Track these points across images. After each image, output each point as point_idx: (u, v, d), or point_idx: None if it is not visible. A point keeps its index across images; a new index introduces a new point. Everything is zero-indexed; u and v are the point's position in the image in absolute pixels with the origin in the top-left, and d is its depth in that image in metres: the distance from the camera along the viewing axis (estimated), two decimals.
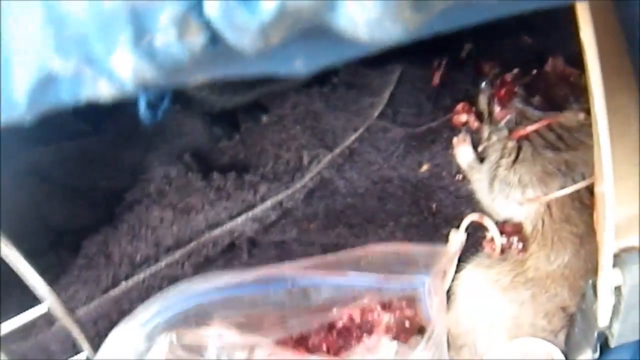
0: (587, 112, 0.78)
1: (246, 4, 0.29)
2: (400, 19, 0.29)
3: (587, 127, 0.78)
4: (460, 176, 0.91)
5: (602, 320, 0.67)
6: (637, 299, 0.64)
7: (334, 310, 0.80)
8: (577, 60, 0.81)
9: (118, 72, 0.31)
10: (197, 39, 0.30)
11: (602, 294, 0.65)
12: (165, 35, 0.30)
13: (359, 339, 0.80)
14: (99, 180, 0.97)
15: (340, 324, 0.81)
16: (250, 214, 0.87)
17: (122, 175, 0.97)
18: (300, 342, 0.80)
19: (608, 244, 0.61)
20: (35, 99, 0.33)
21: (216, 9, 0.29)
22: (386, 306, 0.83)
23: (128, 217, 0.90)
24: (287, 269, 0.80)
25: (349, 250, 0.85)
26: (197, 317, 0.76)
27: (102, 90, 0.32)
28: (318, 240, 0.91)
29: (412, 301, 0.82)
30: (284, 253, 0.91)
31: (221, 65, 0.33)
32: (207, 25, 0.30)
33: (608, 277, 0.63)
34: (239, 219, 0.87)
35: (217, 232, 0.87)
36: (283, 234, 0.91)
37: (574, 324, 0.76)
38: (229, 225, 0.87)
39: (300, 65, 0.34)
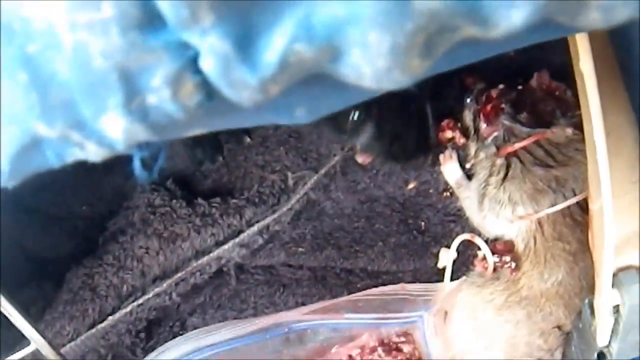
0: (575, 127, 0.78)
1: (245, 60, 0.27)
2: (408, 67, 0.28)
3: (575, 142, 0.78)
4: (448, 193, 0.90)
5: (602, 340, 0.66)
6: (636, 318, 0.64)
7: (333, 350, 0.78)
8: (562, 74, 0.81)
9: (108, 134, 0.29)
10: (192, 97, 0.28)
11: (602, 314, 0.64)
12: (158, 96, 0.28)
13: None
14: (80, 207, 0.95)
15: None
16: (237, 239, 0.86)
17: (104, 202, 0.95)
18: None
19: (607, 264, 0.61)
20: (18, 165, 0.31)
21: (213, 66, 0.27)
22: (385, 344, 0.82)
23: (112, 247, 0.87)
24: (285, 317, 0.79)
25: (347, 296, 0.86)
26: None
27: (91, 153, 0.31)
28: (307, 264, 0.90)
29: (410, 336, 0.82)
30: (272, 278, 0.90)
31: (218, 118, 0.32)
32: (203, 82, 0.28)
33: (607, 297, 0.62)
34: (226, 245, 0.85)
35: (204, 259, 0.85)
36: (271, 258, 0.89)
37: (570, 342, 0.76)
38: (216, 252, 0.85)
39: (301, 114, 0.32)
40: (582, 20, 0.31)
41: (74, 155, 0.32)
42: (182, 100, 0.28)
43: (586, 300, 0.68)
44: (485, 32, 0.30)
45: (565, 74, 0.82)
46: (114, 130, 0.29)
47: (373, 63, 0.28)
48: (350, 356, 0.80)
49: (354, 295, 0.87)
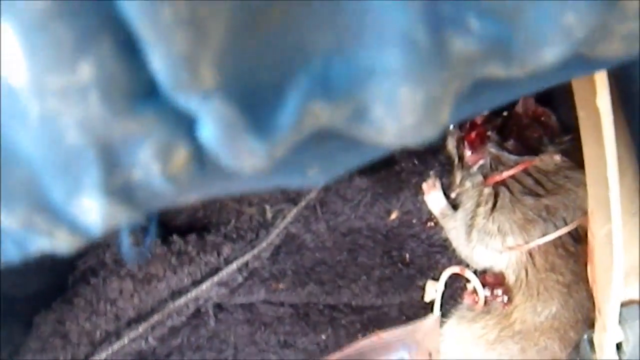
0: (563, 153, 0.76)
1: (254, 126, 0.23)
2: (439, 120, 0.25)
3: (564, 169, 0.76)
4: (432, 223, 0.87)
5: None
6: (638, 355, 0.62)
7: None
8: (545, 99, 0.79)
9: (82, 219, 0.25)
10: (184, 169, 0.24)
11: (605, 352, 0.62)
12: (145, 172, 0.24)
13: None
14: None
15: None
16: (215, 278, 0.82)
17: None
18: None
19: (615, 298, 0.59)
20: None
21: (214, 134, 0.23)
22: None
23: (84, 290, 0.83)
24: None
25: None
26: None
27: (61, 241, 0.26)
28: (288, 300, 0.87)
29: None
30: (252, 316, 0.87)
31: (208, 186, 0.28)
32: (198, 150, 0.24)
33: (612, 334, 0.60)
34: (204, 285, 0.81)
35: (181, 300, 0.81)
36: (250, 295, 0.86)
37: None
38: (193, 292, 0.81)
39: (314, 175, 0.28)
40: (604, 51, 0.28)
41: (40, 245, 0.28)
42: (172, 174, 0.24)
43: (585, 336, 0.66)
44: (510, 71, 0.27)
45: (549, 98, 0.81)
46: (90, 214, 0.24)
47: (400, 119, 0.24)
48: None
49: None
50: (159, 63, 0.21)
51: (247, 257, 0.84)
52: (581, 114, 0.57)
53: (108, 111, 0.21)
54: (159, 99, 0.22)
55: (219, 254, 0.83)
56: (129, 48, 0.21)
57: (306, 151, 0.26)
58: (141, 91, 0.22)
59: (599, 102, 0.49)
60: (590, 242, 0.63)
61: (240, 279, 0.84)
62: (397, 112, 0.25)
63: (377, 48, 0.24)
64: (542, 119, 0.80)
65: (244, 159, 0.23)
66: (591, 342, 0.65)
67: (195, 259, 0.83)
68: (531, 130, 0.79)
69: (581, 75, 0.45)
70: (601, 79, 0.48)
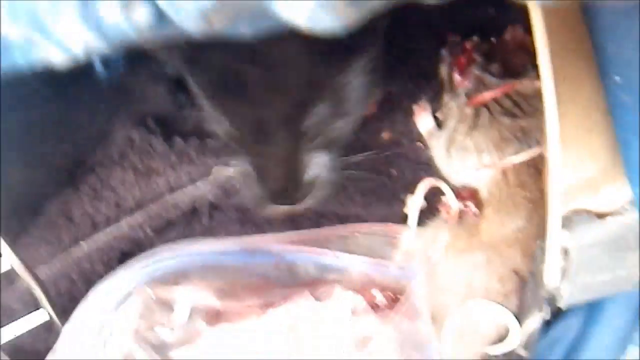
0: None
1: None
2: (336, 12, 0.30)
3: (541, 94, 0.79)
4: (420, 144, 0.92)
5: (550, 281, 0.68)
6: (584, 260, 0.66)
7: (320, 290, 0.80)
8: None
9: (66, 41, 0.31)
10: (142, 16, 0.30)
11: (550, 255, 0.66)
12: (110, 9, 0.30)
13: None
14: (61, 145, 0.97)
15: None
16: (211, 177, 0.87)
17: (84, 141, 0.97)
18: None
19: (555, 203, 0.63)
20: None
21: None
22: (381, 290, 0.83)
23: (89, 178, 0.89)
24: (272, 241, 0.80)
25: (334, 228, 0.87)
26: (177, 277, 0.76)
27: (54, 57, 0.33)
28: None
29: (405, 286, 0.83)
30: (245, 217, 0.92)
31: (170, 36, 0.34)
32: (154, 7, 0.30)
33: (556, 237, 0.64)
34: (200, 183, 0.87)
35: (178, 195, 0.87)
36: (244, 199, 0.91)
37: (525, 287, 0.78)
38: (190, 188, 0.87)
39: (245, 31, 0.34)
40: None
41: (40, 58, 0.34)
42: (133, 18, 0.30)
43: (538, 242, 0.70)
44: None
45: None
46: (72, 38, 0.30)
47: (302, 6, 0.29)
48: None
49: (341, 228, 0.88)
50: None
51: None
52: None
53: None
54: None
55: (217, 157, 0.89)
56: None
57: (241, 19, 0.31)
58: None
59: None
60: (545, 157, 0.66)
61: (235, 182, 0.90)
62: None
63: None
64: (528, 47, 0.83)
65: (183, 16, 0.29)
66: (543, 250, 0.69)
67: (194, 159, 0.89)
68: (516, 57, 0.83)
69: None
70: None
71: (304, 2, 0.30)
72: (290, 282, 0.79)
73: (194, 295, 0.75)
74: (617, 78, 0.54)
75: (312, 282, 0.80)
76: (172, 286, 0.76)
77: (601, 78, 0.57)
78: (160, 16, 0.31)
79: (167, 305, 0.76)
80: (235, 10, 0.30)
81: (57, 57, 0.33)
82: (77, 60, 0.33)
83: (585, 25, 0.58)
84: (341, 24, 0.31)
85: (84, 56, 0.33)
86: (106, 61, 0.78)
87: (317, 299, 0.77)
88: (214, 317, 0.77)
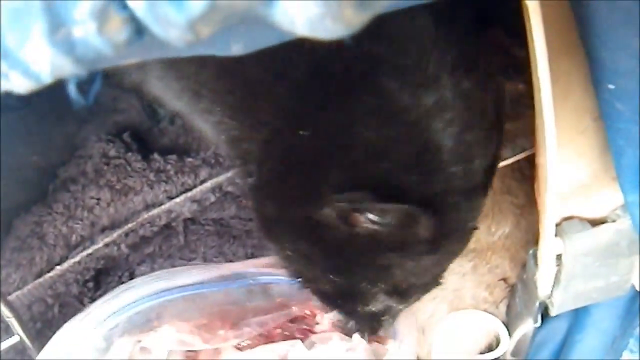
0: (526, 83, 0.78)
1: (177, 5, 0.26)
2: (341, 18, 0.28)
3: (526, 98, 0.78)
4: None
5: (543, 290, 0.67)
6: (577, 268, 0.65)
7: (294, 308, 0.78)
8: (516, 32, 0.81)
9: (33, 65, 0.28)
10: (119, 33, 0.27)
11: (544, 263, 0.65)
12: (83, 29, 0.27)
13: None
14: (30, 157, 0.93)
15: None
16: (189, 194, 0.85)
17: (55, 152, 0.93)
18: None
19: (550, 211, 0.62)
20: None
21: (140, 2, 0.26)
22: None
23: (63, 196, 0.86)
24: (244, 267, 0.78)
25: None
26: (158, 317, 0.74)
27: (17, 83, 0.29)
28: None
29: None
30: (222, 229, 0.90)
31: (150, 52, 0.31)
32: (131, 18, 0.27)
33: (550, 245, 0.63)
34: (178, 199, 0.85)
35: (154, 211, 0.84)
36: (221, 211, 0.89)
37: (514, 294, 0.77)
38: (167, 205, 0.85)
39: (238, 49, 0.31)
40: None
41: (3, 87, 0.31)
42: (109, 35, 0.27)
43: (530, 251, 0.69)
44: None
45: (520, 32, 0.83)
46: (39, 61, 0.28)
47: (305, 11, 0.27)
48: (312, 311, 0.78)
49: None
50: None
51: (221, 178, 0.87)
52: (530, 42, 0.58)
53: None
54: None
55: (195, 176, 0.87)
56: None
57: (231, 29, 0.29)
58: None
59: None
60: (536, 162, 0.65)
61: (212, 198, 0.88)
62: (302, 4, 0.27)
63: None
64: (511, 50, 0.82)
65: (167, 29, 0.27)
66: (535, 257, 0.68)
67: (172, 177, 0.86)
68: (499, 60, 0.82)
69: None
70: None
71: (306, 8, 0.27)
72: (264, 303, 0.77)
73: (171, 338, 0.72)
74: (610, 86, 0.53)
75: (287, 303, 0.78)
76: (149, 332, 0.73)
77: (594, 86, 0.56)
78: (139, 29, 0.28)
79: (146, 350, 0.73)
80: (227, 17, 0.27)
81: (21, 83, 0.30)
82: (43, 85, 0.30)
83: (576, 29, 0.57)
84: (346, 30, 0.29)
85: (51, 81, 0.30)
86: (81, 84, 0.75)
87: (312, 343, 0.75)
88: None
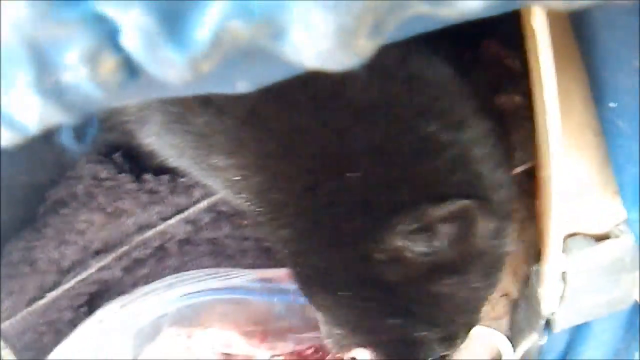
0: (522, 95, 0.77)
1: (173, 37, 0.25)
2: (354, 48, 0.26)
3: (523, 110, 0.77)
4: None
5: (548, 307, 0.67)
6: (582, 284, 0.65)
7: None
8: (511, 43, 0.80)
9: (18, 116, 0.26)
10: (113, 76, 0.26)
11: (549, 281, 0.64)
12: (74, 74, 0.25)
13: None
14: (18, 176, 0.91)
15: None
16: (182, 215, 0.83)
17: (44, 170, 0.91)
18: None
19: (556, 228, 0.61)
20: None
21: (136, 43, 0.25)
22: None
23: (53, 220, 0.84)
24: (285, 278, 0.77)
25: None
26: (206, 314, 0.75)
27: (3, 139, 0.28)
28: (252, 235, 0.88)
29: None
30: (217, 249, 0.88)
31: (145, 93, 0.29)
32: (126, 59, 0.25)
33: (556, 263, 0.63)
34: (171, 221, 0.83)
35: (148, 233, 0.83)
36: (216, 231, 0.87)
37: (517, 310, 0.76)
38: (161, 227, 0.83)
39: (243, 86, 0.30)
40: None
41: None
42: (102, 79, 0.25)
43: (533, 267, 0.68)
44: (437, 10, 0.28)
45: (515, 43, 0.82)
46: (26, 112, 0.26)
47: (316, 44, 0.26)
48: None
49: None
50: None
51: (215, 198, 0.85)
52: (532, 57, 0.58)
53: (34, 14, 0.23)
54: (83, 4, 0.23)
55: (189, 196, 0.85)
56: None
57: (234, 65, 0.27)
58: None
59: (533, 21, 0.50)
60: (538, 177, 0.65)
61: (207, 218, 0.86)
62: (313, 36, 0.26)
63: None
64: (505, 61, 0.81)
65: (166, 70, 0.25)
66: (538, 274, 0.67)
67: (165, 198, 0.84)
68: (493, 72, 0.81)
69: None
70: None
71: (318, 41, 0.26)
72: (301, 323, 0.76)
73: (219, 338, 0.72)
74: (612, 104, 0.53)
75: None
76: (197, 327, 0.73)
77: (595, 103, 0.56)
78: (133, 70, 0.26)
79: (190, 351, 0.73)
80: (230, 51, 0.26)
81: (6, 137, 0.28)
82: (29, 138, 0.29)
83: (576, 46, 0.56)
84: (357, 60, 0.27)
85: (39, 132, 0.28)
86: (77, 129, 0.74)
87: None
88: None
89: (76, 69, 0.25)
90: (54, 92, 0.25)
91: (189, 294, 0.72)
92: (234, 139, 0.59)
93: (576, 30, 0.55)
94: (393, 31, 0.29)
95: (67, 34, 0.24)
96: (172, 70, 0.25)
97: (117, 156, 0.87)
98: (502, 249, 0.63)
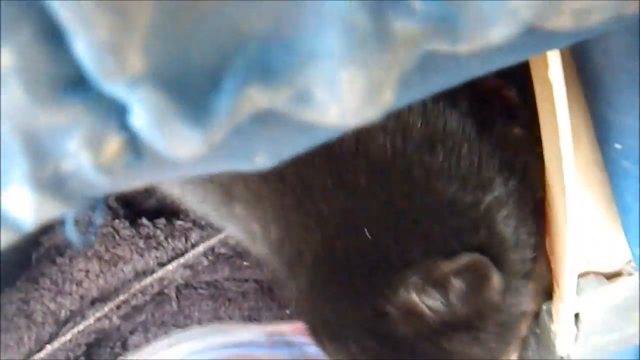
0: (521, 126, 0.76)
1: (187, 113, 0.23)
2: (381, 102, 0.25)
3: (522, 142, 0.76)
4: None
5: (563, 349, 0.65)
6: (596, 324, 0.63)
7: None
8: (507, 74, 0.79)
9: (12, 213, 0.24)
10: (118, 159, 0.23)
11: (563, 323, 0.63)
12: (75, 162, 0.23)
13: None
14: None
15: None
16: (181, 260, 0.82)
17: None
18: None
19: (570, 270, 0.60)
20: None
21: (146, 122, 0.23)
22: None
23: (49, 270, 0.83)
24: (294, 331, 0.76)
25: None
26: None
27: None
28: (252, 276, 0.87)
29: None
30: (216, 292, 0.87)
31: (150, 174, 0.27)
32: (131, 139, 0.23)
33: (570, 304, 0.61)
34: (170, 266, 0.81)
35: (147, 280, 0.81)
36: (215, 273, 0.86)
37: (527, 347, 0.74)
38: (159, 273, 0.81)
39: (262, 161, 0.28)
40: (554, 26, 0.28)
41: None
42: (105, 163, 0.23)
43: (544, 306, 0.67)
44: (456, 47, 0.27)
45: (510, 73, 0.81)
46: (20, 208, 0.23)
47: (342, 102, 0.24)
48: None
49: None
50: (82, 49, 0.20)
51: (213, 241, 0.84)
52: (537, 88, 0.57)
53: (31, 100, 0.21)
54: (86, 87, 0.21)
55: (186, 240, 0.84)
56: (51, 34, 0.20)
57: (251, 136, 0.26)
58: (67, 79, 0.21)
59: (550, 74, 0.49)
60: (548, 214, 0.63)
61: (205, 261, 0.85)
62: (339, 95, 0.24)
63: (317, 32, 0.24)
64: (501, 92, 0.80)
65: (178, 147, 0.23)
66: (550, 313, 0.66)
67: (163, 243, 0.83)
68: (491, 104, 0.80)
69: (535, 53, 0.46)
70: (553, 53, 0.49)
71: (342, 101, 0.24)
72: None
73: None
74: (617, 146, 0.53)
75: None
76: None
77: (600, 144, 0.55)
78: (138, 150, 0.24)
79: None
80: (245, 119, 0.24)
81: (5, 238, 0.26)
82: (24, 234, 0.26)
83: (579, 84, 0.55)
84: (379, 114, 0.26)
85: (35, 227, 0.26)
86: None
87: None
88: None
89: (77, 156, 0.23)
90: (52, 183, 0.23)
91: (193, 351, 0.71)
92: (254, 190, 0.59)
93: (579, 73, 0.54)
94: (418, 83, 0.28)
95: (69, 120, 0.22)
96: (186, 146, 0.23)
97: (111, 200, 0.85)
98: (519, 308, 0.62)
